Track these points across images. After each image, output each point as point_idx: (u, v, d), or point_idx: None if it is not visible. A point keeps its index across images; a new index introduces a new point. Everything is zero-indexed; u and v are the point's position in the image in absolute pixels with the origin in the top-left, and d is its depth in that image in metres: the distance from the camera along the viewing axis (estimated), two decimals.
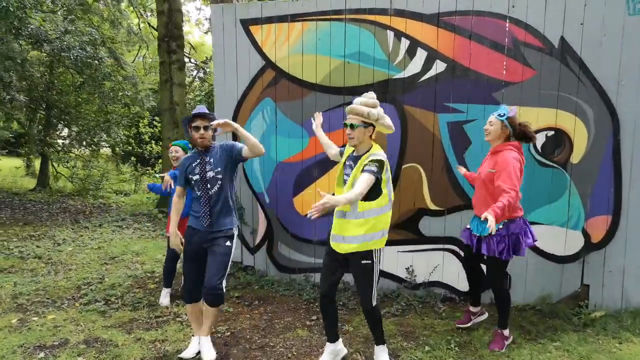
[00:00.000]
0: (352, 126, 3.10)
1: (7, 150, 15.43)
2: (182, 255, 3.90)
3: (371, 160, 3.01)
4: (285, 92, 5.05)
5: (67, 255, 6.51)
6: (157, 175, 4.23)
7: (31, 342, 3.79)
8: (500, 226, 3.53)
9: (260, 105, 5.17)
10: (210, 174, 3.44)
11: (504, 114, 3.56)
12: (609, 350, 3.64)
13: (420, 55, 4.58)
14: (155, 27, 11.95)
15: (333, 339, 3.43)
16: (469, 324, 4.06)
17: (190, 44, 18.11)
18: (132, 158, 15.82)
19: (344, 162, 3.32)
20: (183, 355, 3.53)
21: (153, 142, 16.17)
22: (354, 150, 3.26)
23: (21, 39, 8.74)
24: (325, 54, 4.86)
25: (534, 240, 3.63)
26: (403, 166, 4.73)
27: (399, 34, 4.61)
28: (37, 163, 14.65)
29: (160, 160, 12.77)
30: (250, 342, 3.84)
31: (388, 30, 4.64)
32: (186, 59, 17.45)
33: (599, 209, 4.28)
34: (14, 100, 9.92)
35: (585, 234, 4.33)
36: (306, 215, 3.01)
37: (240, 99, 5.25)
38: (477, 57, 4.42)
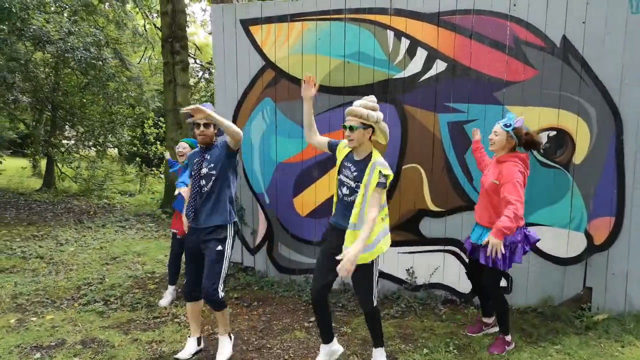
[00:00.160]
0: (351, 128, 3.06)
1: (11, 151, 15.53)
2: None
3: (384, 175, 2.99)
4: (285, 92, 5.03)
5: (68, 256, 6.52)
6: (176, 194, 4.24)
7: (28, 342, 3.79)
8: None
9: (260, 106, 5.15)
10: (204, 170, 3.43)
11: (510, 125, 3.45)
12: (611, 354, 3.58)
13: (421, 54, 4.54)
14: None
15: (327, 339, 3.39)
16: (480, 334, 3.97)
17: (195, 44, 18.19)
18: (137, 159, 15.87)
19: (341, 163, 3.26)
20: (179, 356, 3.51)
21: (158, 142, 16.22)
22: (351, 152, 3.22)
23: (24, 40, 8.78)
24: (325, 54, 4.83)
25: (537, 240, 3.57)
26: (403, 167, 4.69)
27: (399, 34, 4.58)
28: (43, 163, 14.74)
29: (164, 161, 12.77)
30: (248, 344, 3.82)
31: (388, 30, 4.61)
32: (191, 60, 17.54)
33: (602, 210, 4.22)
34: (17, 102, 9.97)
35: (588, 236, 4.27)
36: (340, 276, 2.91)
37: (241, 99, 5.23)
38: (477, 57, 4.37)
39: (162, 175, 13.51)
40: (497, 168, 3.50)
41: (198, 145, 3.59)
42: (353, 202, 3.10)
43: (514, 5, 4.24)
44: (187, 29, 15.42)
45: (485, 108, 4.37)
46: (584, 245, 4.28)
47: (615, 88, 4.08)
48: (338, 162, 3.29)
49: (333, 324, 4.09)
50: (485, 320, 4.00)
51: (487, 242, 3.33)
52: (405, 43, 4.57)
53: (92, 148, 14.59)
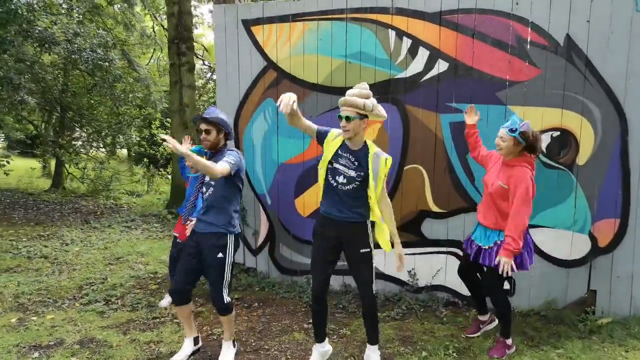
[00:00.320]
0: (347, 118, 3.05)
1: (18, 151, 15.67)
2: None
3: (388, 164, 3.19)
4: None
5: (73, 256, 6.55)
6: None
7: (27, 341, 3.80)
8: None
9: (262, 106, 5.13)
10: (207, 178, 3.42)
11: (516, 129, 3.36)
12: (614, 359, 3.51)
13: (422, 54, 4.49)
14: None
15: (322, 338, 3.38)
16: (478, 334, 3.94)
17: (203, 46, 18.23)
18: (145, 159, 15.95)
19: (336, 152, 3.19)
20: (175, 358, 3.49)
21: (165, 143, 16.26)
22: (345, 141, 3.19)
23: (30, 41, 8.85)
24: (327, 54, 4.81)
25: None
26: (405, 167, 4.64)
27: (400, 33, 4.54)
28: (53, 164, 14.86)
29: (171, 162, 12.83)
30: (245, 345, 3.80)
31: (389, 30, 4.57)
32: (200, 61, 17.61)
33: (607, 211, 4.14)
34: (23, 103, 10.05)
35: (592, 238, 4.20)
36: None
37: (242, 100, 5.22)
38: (480, 56, 4.32)
39: (169, 176, 13.55)
40: (506, 171, 3.44)
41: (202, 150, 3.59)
42: (349, 191, 3.13)
43: (517, 3, 4.18)
44: (195, 30, 15.47)
45: (487, 108, 4.31)
46: (588, 247, 4.21)
47: (620, 87, 4.01)
48: (330, 151, 3.20)
49: (333, 326, 4.09)
50: (480, 318, 3.96)
51: (495, 244, 3.45)
52: (407, 43, 4.53)
53: (101, 149, 14.70)
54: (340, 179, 3.15)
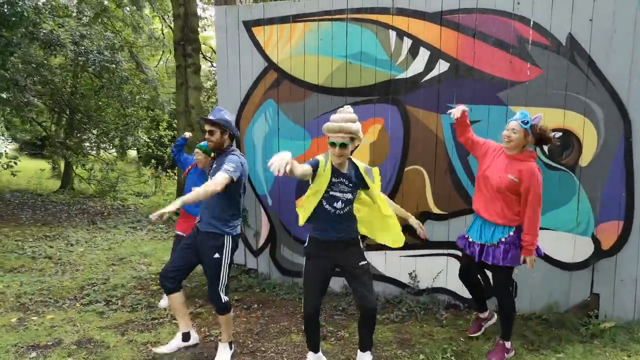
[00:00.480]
0: (343, 145, 3.00)
1: (26, 152, 15.83)
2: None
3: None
4: (287, 94, 4.99)
5: (77, 256, 6.59)
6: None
7: (26, 341, 3.82)
8: (511, 232, 3.39)
9: (262, 107, 5.13)
10: (209, 179, 3.42)
11: (529, 122, 3.32)
12: None
13: (423, 54, 4.46)
14: None
15: (317, 349, 3.35)
16: (479, 332, 3.90)
17: (212, 48, 18.30)
18: (153, 161, 16.02)
19: (330, 181, 3.08)
20: (158, 349, 3.59)
21: (172, 145, 16.34)
22: (334, 167, 3.09)
23: (37, 43, 8.93)
24: (327, 54, 4.79)
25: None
26: (406, 169, 4.60)
27: (401, 34, 4.50)
28: (62, 165, 14.99)
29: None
30: (242, 347, 3.78)
31: (390, 30, 4.54)
32: (209, 63, 17.68)
33: (610, 214, 4.07)
34: (29, 104, 10.14)
35: (595, 240, 4.12)
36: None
37: (244, 101, 5.23)
38: (481, 56, 4.27)
39: (176, 178, 13.61)
40: (515, 165, 3.36)
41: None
42: (346, 213, 3.15)
43: (518, 3, 4.13)
44: (203, 32, 15.51)
45: (488, 108, 4.27)
46: (591, 250, 4.14)
47: (624, 88, 3.94)
48: (324, 182, 3.07)
49: (331, 328, 4.07)
50: (481, 316, 3.92)
51: (500, 242, 3.42)
52: (407, 43, 4.50)
53: (110, 150, 14.80)
54: (338, 205, 3.11)
